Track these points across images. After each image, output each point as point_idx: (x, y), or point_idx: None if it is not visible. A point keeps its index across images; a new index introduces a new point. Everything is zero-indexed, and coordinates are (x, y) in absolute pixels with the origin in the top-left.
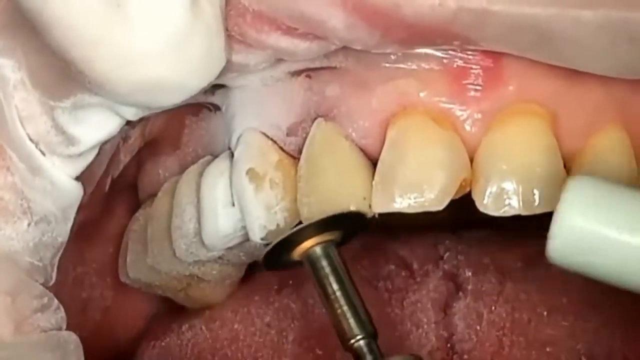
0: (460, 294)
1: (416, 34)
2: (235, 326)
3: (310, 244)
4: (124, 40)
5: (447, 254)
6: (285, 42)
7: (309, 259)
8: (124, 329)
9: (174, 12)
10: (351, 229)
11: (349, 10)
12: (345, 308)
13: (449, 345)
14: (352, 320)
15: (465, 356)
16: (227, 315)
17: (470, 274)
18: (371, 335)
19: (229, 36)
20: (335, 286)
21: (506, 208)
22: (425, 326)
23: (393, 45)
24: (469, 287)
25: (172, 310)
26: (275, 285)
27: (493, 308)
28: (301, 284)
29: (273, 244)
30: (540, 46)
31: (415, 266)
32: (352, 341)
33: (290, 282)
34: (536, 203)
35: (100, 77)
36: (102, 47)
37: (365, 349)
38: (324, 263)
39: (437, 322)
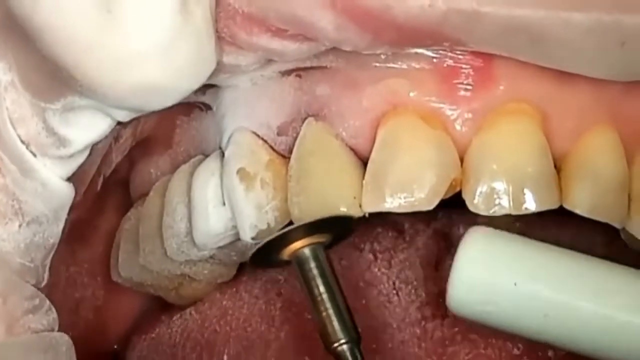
0: (453, 250)
1: (406, 36)
2: (224, 303)
3: (299, 245)
4: (114, 45)
5: (439, 213)
6: (275, 44)
7: (297, 260)
8: (115, 327)
9: (164, 17)
10: (340, 232)
11: (338, 11)
12: (331, 311)
13: (440, 300)
14: (336, 324)
15: None
16: (215, 297)
17: (463, 231)
18: (354, 341)
19: (219, 38)
20: (321, 288)
21: (496, 208)
22: (415, 282)
23: (383, 46)
24: None
25: (163, 307)
26: None
27: None
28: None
29: (262, 243)
30: (530, 48)
31: (406, 226)
32: (335, 345)
33: None
34: (526, 203)
35: (92, 82)
36: (93, 52)
37: (347, 354)
38: (312, 265)
39: (426, 278)
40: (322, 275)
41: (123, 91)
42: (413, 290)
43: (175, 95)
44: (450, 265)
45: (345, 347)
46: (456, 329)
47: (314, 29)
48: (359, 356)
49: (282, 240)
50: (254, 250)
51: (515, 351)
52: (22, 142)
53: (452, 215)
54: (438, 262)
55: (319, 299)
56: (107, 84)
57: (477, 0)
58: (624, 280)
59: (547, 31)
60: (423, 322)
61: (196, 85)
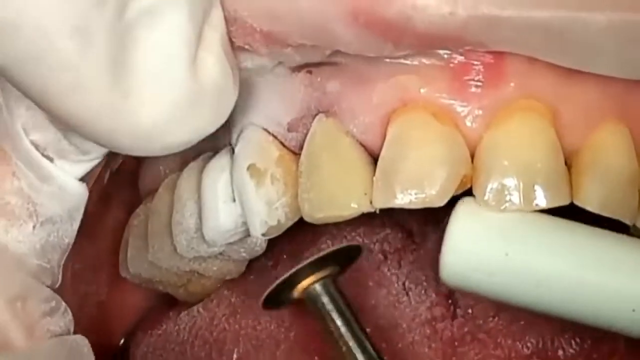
0: None
1: (427, 42)
2: (233, 301)
3: (309, 282)
4: (129, 119)
5: (447, 217)
6: (290, 52)
7: (309, 297)
8: (121, 323)
9: (175, 80)
10: (347, 260)
11: (360, 25)
12: (351, 343)
13: (450, 301)
14: (359, 357)
15: (470, 310)
16: (223, 294)
17: None
18: None
19: (236, 47)
20: (338, 322)
21: (507, 204)
22: (425, 283)
23: (405, 51)
24: None
25: (169, 304)
26: (270, 262)
27: None
28: (296, 256)
29: (273, 286)
30: (549, 48)
31: (415, 229)
32: None
33: (284, 256)
34: (537, 199)
35: (112, 148)
36: (110, 129)
37: None
38: (325, 300)
39: (436, 278)
40: (337, 308)
41: (145, 153)
42: (423, 291)
43: (198, 139)
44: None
45: None
46: (466, 330)
47: (337, 42)
48: None
49: (292, 279)
50: (265, 295)
51: (525, 351)
52: (39, 146)
53: None
54: None
55: (336, 333)
56: (127, 150)
57: (498, 5)
58: (615, 247)
59: (565, 32)
60: (433, 323)
61: (218, 125)
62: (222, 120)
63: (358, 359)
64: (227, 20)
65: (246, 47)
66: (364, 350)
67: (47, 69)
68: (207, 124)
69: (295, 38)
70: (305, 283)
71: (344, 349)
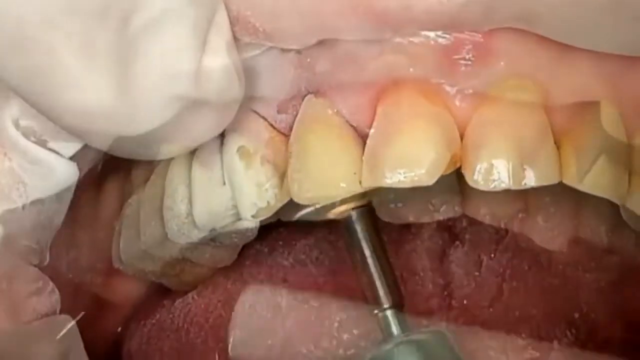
0: (457, 243)
1: (427, 27)
2: (228, 286)
3: (348, 207)
4: (132, 129)
5: (443, 206)
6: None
7: (345, 221)
8: (116, 313)
9: (178, 91)
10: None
11: (360, 17)
12: (375, 276)
13: (445, 292)
14: (380, 289)
15: (465, 301)
16: (219, 281)
17: (466, 224)
18: (398, 306)
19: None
20: (367, 252)
21: (496, 183)
22: (421, 273)
23: (403, 34)
24: (467, 237)
25: (164, 292)
26: (266, 248)
27: (492, 255)
28: (292, 244)
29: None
30: (547, 25)
31: (410, 219)
32: (376, 311)
33: (280, 242)
34: (526, 179)
35: (114, 154)
36: (112, 137)
37: (390, 319)
38: (358, 227)
39: (432, 269)
40: (368, 238)
41: (146, 158)
42: (420, 282)
43: (201, 144)
44: (455, 257)
45: (388, 312)
46: (461, 321)
47: (337, 34)
48: (402, 321)
49: None
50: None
51: (520, 342)
52: (36, 132)
53: (454, 207)
54: (443, 254)
55: (363, 262)
56: (128, 156)
57: None
58: None
59: (565, 9)
60: (428, 314)
61: (223, 129)
62: (226, 124)
63: (379, 292)
64: (230, 20)
65: (252, 42)
66: (386, 285)
67: (51, 83)
68: (210, 130)
69: (297, 35)
70: (344, 206)
71: (365, 279)
